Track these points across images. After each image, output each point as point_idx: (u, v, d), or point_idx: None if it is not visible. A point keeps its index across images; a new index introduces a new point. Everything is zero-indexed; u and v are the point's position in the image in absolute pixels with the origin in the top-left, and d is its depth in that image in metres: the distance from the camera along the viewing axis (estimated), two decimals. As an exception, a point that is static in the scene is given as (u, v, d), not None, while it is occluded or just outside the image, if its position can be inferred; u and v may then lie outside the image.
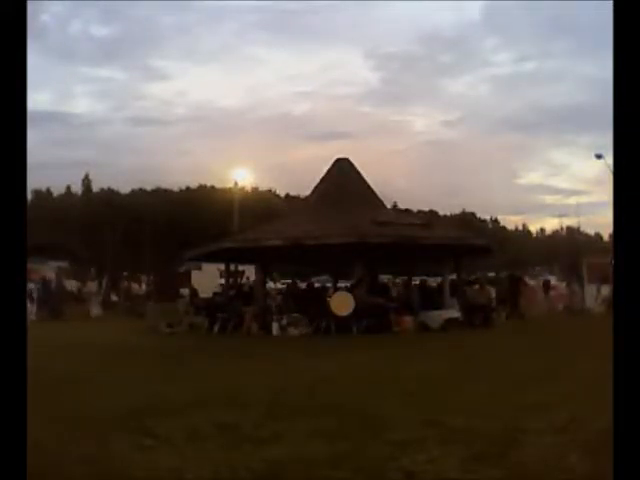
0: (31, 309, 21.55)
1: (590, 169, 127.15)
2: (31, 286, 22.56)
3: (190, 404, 6.02)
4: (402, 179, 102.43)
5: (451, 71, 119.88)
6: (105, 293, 28.20)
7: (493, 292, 20.21)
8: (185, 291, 23.25)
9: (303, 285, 21.63)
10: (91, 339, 14.13)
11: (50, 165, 76.05)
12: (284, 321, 15.49)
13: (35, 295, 22.79)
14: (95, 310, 23.75)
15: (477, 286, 19.75)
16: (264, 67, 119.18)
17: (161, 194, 73.05)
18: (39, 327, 16.31)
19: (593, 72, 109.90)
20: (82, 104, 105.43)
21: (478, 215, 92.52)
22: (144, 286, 28.07)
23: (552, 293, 24.48)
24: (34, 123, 60.20)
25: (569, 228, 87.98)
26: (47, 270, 28.31)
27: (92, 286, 26.30)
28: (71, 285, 28.77)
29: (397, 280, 25.24)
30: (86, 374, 8.33)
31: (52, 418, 5.28)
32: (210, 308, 17.57)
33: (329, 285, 22.49)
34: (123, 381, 7.69)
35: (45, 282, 24.79)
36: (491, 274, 23.85)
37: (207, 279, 28.37)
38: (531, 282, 27.59)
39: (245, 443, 4.48)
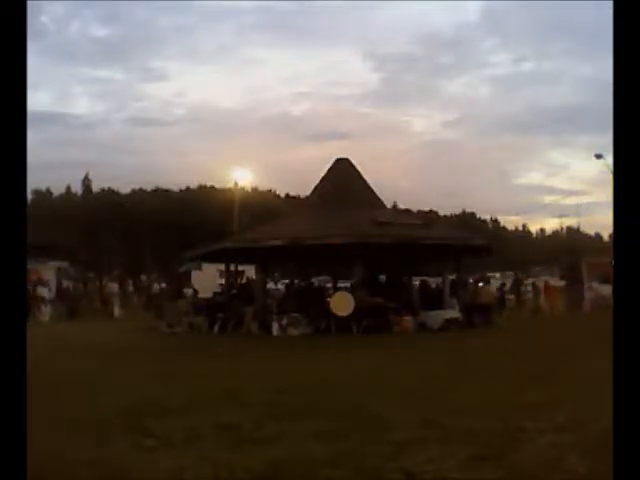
0: (45, 309, 21.77)
1: (590, 169, 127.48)
2: (44, 288, 22.83)
3: (190, 404, 6.02)
4: (402, 179, 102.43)
5: (450, 72, 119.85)
6: (100, 292, 28.06)
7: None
8: (189, 291, 23.21)
9: (303, 285, 21.60)
10: (91, 339, 14.13)
11: (50, 165, 76.08)
12: (284, 321, 15.49)
13: (48, 296, 22.94)
14: (117, 310, 23.88)
15: (482, 284, 19.74)
16: (263, 68, 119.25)
17: (161, 194, 73.02)
18: (44, 327, 16.39)
19: (592, 72, 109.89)
20: (82, 104, 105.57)
21: (478, 215, 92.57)
22: (159, 286, 28.17)
23: (588, 294, 24.22)
24: (34, 123, 60.15)
25: (569, 228, 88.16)
26: (47, 270, 28.30)
27: (113, 287, 26.24)
28: (71, 285, 28.77)
29: (397, 280, 25.15)
30: (85, 374, 8.34)
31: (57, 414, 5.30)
32: (210, 308, 17.57)
33: (329, 285, 22.48)
34: (123, 381, 7.68)
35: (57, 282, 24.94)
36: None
37: (207, 279, 28.32)
38: (555, 283, 27.39)
39: (245, 443, 4.49)
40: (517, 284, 28.28)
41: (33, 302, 20.97)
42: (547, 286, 25.13)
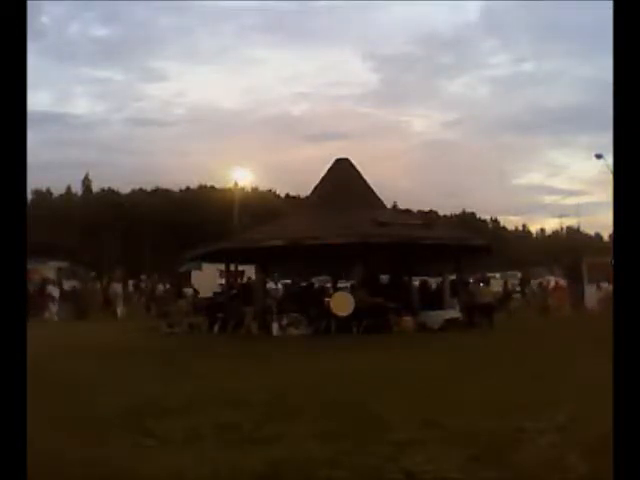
0: (53, 308, 21.83)
1: (590, 169, 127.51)
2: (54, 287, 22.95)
3: (190, 404, 6.02)
4: (402, 179, 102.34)
5: (450, 72, 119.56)
6: (104, 293, 28.14)
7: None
8: (189, 291, 23.30)
9: (303, 285, 21.60)
10: (94, 339, 14.13)
11: (50, 165, 76.12)
12: (284, 321, 15.49)
13: (57, 296, 23.02)
14: (120, 310, 23.98)
15: (482, 284, 19.74)
16: (263, 68, 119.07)
17: (161, 194, 73.10)
18: (53, 326, 16.38)
19: (591, 73, 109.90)
20: (82, 105, 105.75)
21: (478, 215, 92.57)
22: (163, 287, 28.22)
23: (597, 294, 24.17)
24: (34, 123, 60.29)
25: (569, 228, 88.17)
26: (47, 270, 28.34)
27: (117, 287, 26.29)
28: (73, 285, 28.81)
29: (397, 280, 25.15)
30: (87, 374, 8.34)
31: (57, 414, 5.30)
32: (210, 308, 17.58)
33: (329, 285, 22.47)
34: (124, 381, 7.68)
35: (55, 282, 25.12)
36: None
37: (207, 279, 28.33)
38: (561, 282, 27.42)
39: (245, 443, 4.49)
40: (524, 284, 28.32)
41: (42, 301, 21.05)
42: (555, 286, 25.16)
